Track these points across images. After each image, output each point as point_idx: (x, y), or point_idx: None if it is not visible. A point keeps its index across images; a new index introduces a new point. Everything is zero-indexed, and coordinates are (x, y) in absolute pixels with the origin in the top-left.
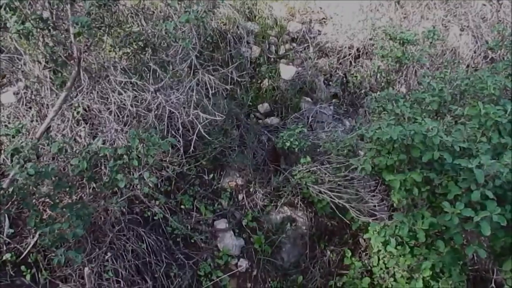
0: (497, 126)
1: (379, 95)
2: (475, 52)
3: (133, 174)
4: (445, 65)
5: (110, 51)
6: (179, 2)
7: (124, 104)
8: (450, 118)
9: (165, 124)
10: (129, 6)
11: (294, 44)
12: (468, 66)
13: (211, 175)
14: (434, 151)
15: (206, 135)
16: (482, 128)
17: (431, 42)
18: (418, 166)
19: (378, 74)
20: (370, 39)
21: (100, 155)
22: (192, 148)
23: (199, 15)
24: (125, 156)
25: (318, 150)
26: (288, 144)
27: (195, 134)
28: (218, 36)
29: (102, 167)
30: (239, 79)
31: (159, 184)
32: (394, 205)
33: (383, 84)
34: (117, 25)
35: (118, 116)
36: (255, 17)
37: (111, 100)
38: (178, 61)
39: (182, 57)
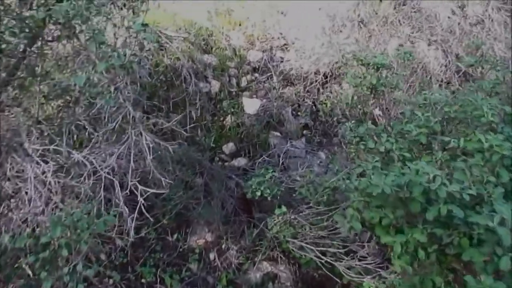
0: (503, 161)
1: (354, 125)
2: (446, 67)
3: (63, 268)
4: (420, 84)
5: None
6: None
7: (45, 177)
8: (443, 153)
9: (102, 195)
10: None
11: (256, 74)
12: (441, 82)
13: (175, 235)
14: (439, 205)
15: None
16: (487, 164)
17: (405, 63)
18: (419, 220)
19: (353, 104)
20: (336, 62)
21: (18, 246)
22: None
23: (125, 60)
24: (51, 245)
25: (294, 195)
26: (258, 193)
27: (143, 197)
28: (172, 73)
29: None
30: (200, 119)
31: (113, 256)
32: (396, 269)
33: (359, 115)
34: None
35: (40, 192)
36: (211, 48)
37: (28, 174)
38: (112, 116)
39: (118, 110)
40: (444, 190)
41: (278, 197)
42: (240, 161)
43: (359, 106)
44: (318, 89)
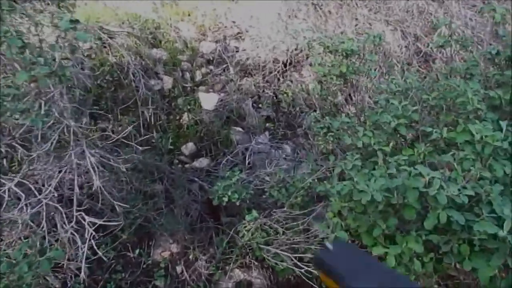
0: (495, 153)
1: (321, 116)
2: (406, 48)
3: None
4: (387, 69)
5: None
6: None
7: None
8: (426, 145)
9: (44, 225)
10: None
11: (211, 67)
12: (402, 64)
13: (137, 251)
14: (438, 210)
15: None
16: (478, 157)
17: (374, 48)
18: (412, 227)
19: (322, 95)
20: (296, 49)
21: None
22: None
23: (53, 66)
24: None
25: (264, 196)
26: (226, 198)
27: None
28: (119, 72)
29: None
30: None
31: (69, 283)
32: None
33: (330, 106)
34: None
35: None
36: (160, 42)
37: None
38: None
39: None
40: (444, 195)
41: (248, 201)
42: (202, 162)
43: (329, 98)
44: (278, 79)
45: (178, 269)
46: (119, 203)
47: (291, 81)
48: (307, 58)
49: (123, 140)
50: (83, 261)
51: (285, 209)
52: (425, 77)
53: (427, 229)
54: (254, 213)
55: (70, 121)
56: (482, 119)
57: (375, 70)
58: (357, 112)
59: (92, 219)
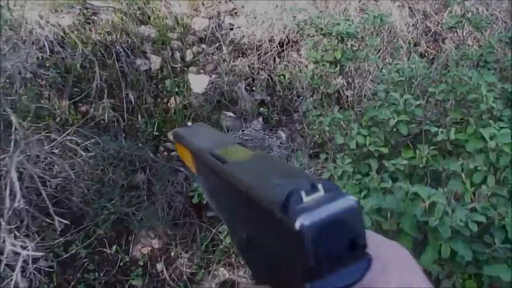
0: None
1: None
2: (413, 26)
3: None
4: (391, 52)
5: None
6: None
7: None
8: (429, 148)
9: None
10: None
11: (204, 45)
12: (409, 44)
13: (114, 247)
14: (439, 241)
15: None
16: (491, 169)
17: (375, 30)
18: None
19: (314, 84)
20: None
21: None
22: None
23: None
24: None
25: None
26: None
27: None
28: (103, 51)
29: None
30: (138, 103)
31: (37, 282)
32: None
33: (322, 98)
34: None
35: None
36: (149, 18)
37: None
38: None
39: None
40: (447, 225)
41: None
42: None
43: (321, 87)
44: (274, 59)
45: (158, 267)
46: (93, 197)
47: (289, 62)
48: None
49: (104, 125)
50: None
51: None
52: (433, 61)
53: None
54: None
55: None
56: (497, 118)
57: (376, 54)
58: (354, 104)
59: (59, 219)
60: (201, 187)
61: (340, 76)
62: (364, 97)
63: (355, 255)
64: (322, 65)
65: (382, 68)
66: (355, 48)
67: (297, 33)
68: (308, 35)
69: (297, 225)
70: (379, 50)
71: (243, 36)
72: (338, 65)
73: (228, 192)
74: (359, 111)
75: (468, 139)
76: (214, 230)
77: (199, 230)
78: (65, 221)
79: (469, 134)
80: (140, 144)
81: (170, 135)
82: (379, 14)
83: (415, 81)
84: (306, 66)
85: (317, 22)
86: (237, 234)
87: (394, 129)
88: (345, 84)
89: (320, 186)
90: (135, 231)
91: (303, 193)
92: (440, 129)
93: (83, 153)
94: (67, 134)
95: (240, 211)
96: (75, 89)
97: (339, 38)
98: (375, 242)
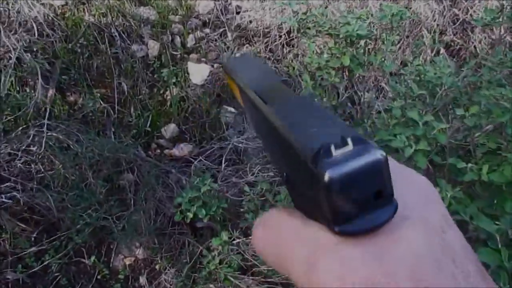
0: None
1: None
2: (440, 13)
3: None
4: (412, 49)
5: None
6: None
7: None
8: (453, 189)
9: None
10: None
11: (207, 30)
12: (434, 33)
13: (93, 257)
14: None
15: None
16: None
17: (394, 29)
18: None
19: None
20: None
21: None
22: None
23: None
24: None
25: (243, 209)
26: (190, 214)
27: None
28: (96, 34)
29: None
30: (132, 93)
31: None
32: None
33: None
34: None
35: None
36: None
37: None
38: None
39: None
40: None
41: (220, 218)
42: (183, 149)
43: (324, 100)
44: (283, 48)
45: (141, 280)
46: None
47: (298, 51)
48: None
49: (92, 118)
50: None
51: None
52: (459, 53)
53: None
54: (224, 235)
55: None
56: None
57: (395, 53)
58: (363, 118)
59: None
60: (249, 119)
61: (348, 86)
62: (377, 112)
63: (381, 203)
64: (327, 72)
65: (400, 73)
66: (368, 51)
67: (298, 32)
68: (312, 36)
69: (326, 178)
70: (399, 47)
71: (250, 21)
72: (346, 73)
73: (270, 131)
74: (370, 127)
75: (506, 181)
76: (200, 247)
77: (188, 242)
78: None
79: (506, 175)
80: (130, 141)
81: (164, 132)
82: (399, 11)
83: (439, 90)
84: (320, 54)
85: (320, 21)
86: (280, 170)
87: (410, 160)
88: (353, 94)
89: (349, 140)
90: (118, 238)
91: (332, 147)
92: (470, 165)
93: (64, 152)
94: (49, 130)
95: (280, 151)
96: (63, 76)
97: (348, 41)
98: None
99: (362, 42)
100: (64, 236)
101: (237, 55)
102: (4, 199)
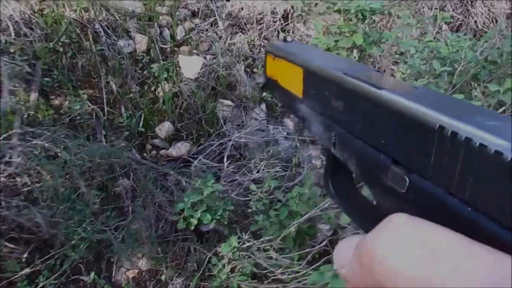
0: None
1: None
2: None
3: None
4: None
5: None
6: None
7: None
8: None
9: None
10: None
11: (197, 20)
12: (434, 9)
13: (93, 274)
14: None
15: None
16: None
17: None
18: None
19: None
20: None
21: None
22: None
23: None
24: None
25: (250, 209)
26: (194, 221)
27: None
28: (79, 31)
29: None
30: (121, 92)
31: None
32: None
33: None
34: None
35: None
36: None
37: None
38: None
39: None
40: None
41: (226, 222)
42: (180, 148)
43: None
44: (278, 34)
45: None
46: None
47: (295, 37)
48: (315, 5)
49: (80, 122)
50: None
51: (274, 243)
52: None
53: None
54: (233, 241)
55: None
56: None
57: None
58: None
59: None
60: (303, 114)
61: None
62: None
63: None
64: (337, 53)
65: (417, 51)
66: (380, 28)
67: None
68: (319, 13)
69: None
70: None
71: (242, 8)
72: (359, 53)
73: (389, 124)
74: None
75: None
76: (208, 255)
77: (194, 248)
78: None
79: None
80: (122, 144)
81: (159, 131)
82: None
83: (458, 66)
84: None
85: None
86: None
87: None
88: None
89: None
90: (118, 250)
91: None
92: None
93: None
94: (34, 138)
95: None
96: (46, 78)
97: (360, 16)
98: None
99: (374, 18)
100: (59, 253)
101: (288, 39)
102: None
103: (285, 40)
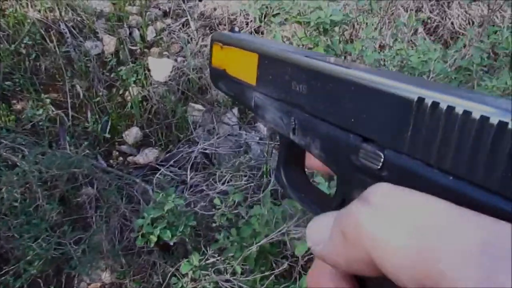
0: None
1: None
2: None
3: None
4: (392, 31)
5: None
6: None
7: None
8: None
9: None
10: None
11: (169, 20)
12: (410, 10)
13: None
14: None
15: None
16: None
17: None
18: None
19: None
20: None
21: None
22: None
23: None
24: None
25: (215, 224)
26: (154, 238)
27: None
28: (43, 32)
29: None
30: (87, 95)
31: None
32: None
33: None
34: None
35: None
36: None
37: None
38: None
39: None
40: None
41: (187, 239)
42: (148, 155)
43: None
44: (251, 34)
45: None
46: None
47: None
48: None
49: (43, 127)
50: None
51: (235, 263)
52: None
53: None
54: (194, 259)
55: None
56: None
57: (375, 38)
58: None
59: None
60: (256, 102)
61: None
62: None
63: None
64: None
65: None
66: (344, 39)
67: (260, 21)
68: (279, 23)
69: None
70: (376, 28)
71: (215, 9)
72: None
73: (358, 98)
74: None
75: None
76: (172, 270)
77: (159, 263)
78: None
79: None
80: (87, 151)
81: (126, 137)
82: None
83: (426, 77)
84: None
85: (287, 7)
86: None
87: None
88: None
89: None
90: (79, 263)
91: None
92: None
93: (9, 171)
94: None
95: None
96: (7, 82)
97: (321, 29)
98: None
99: (337, 29)
100: (14, 269)
101: (236, 29)
102: None
103: (232, 30)
